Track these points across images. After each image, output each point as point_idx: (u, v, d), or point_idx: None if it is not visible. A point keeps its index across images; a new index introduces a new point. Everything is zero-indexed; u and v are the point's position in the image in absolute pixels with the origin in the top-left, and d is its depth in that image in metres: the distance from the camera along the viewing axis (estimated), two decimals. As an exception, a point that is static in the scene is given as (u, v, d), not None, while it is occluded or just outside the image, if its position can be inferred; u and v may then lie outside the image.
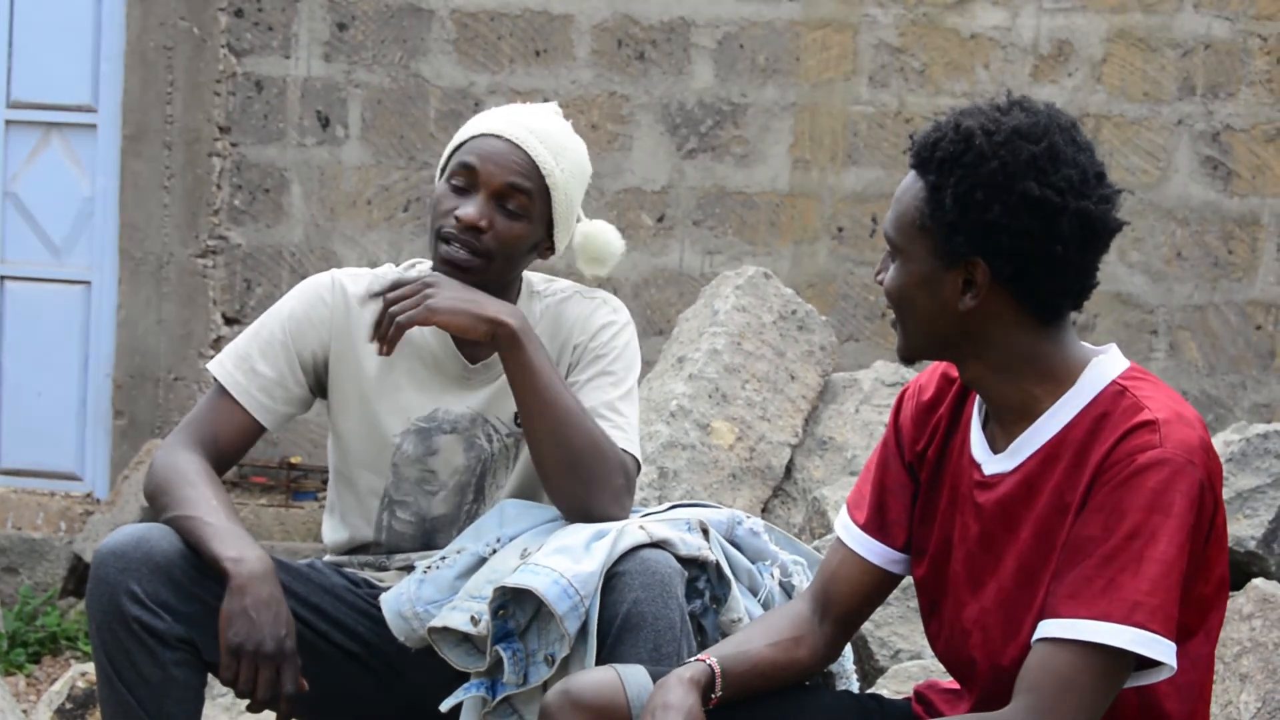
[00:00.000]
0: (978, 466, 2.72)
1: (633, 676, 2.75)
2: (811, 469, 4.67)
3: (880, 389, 4.82)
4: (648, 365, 4.54)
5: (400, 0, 7.50)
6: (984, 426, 2.74)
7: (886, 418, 4.70)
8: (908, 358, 2.75)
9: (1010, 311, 2.63)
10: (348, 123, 7.55)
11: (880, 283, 2.71)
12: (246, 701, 3.18)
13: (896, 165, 7.35)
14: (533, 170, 3.36)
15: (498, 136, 3.36)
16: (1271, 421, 5.13)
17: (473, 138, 3.38)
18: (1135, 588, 2.50)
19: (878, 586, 2.91)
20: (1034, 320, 2.64)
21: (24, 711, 4.58)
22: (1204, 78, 7.36)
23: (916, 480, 2.85)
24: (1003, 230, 2.57)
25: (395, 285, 3.27)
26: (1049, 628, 2.55)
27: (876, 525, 2.88)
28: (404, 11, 7.50)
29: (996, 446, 2.71)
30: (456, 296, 3.24)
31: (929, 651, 3.65)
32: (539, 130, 3.39)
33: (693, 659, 2.83)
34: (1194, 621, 2.62)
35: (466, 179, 3.34)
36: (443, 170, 3.42)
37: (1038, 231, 2.57)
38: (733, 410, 4.60)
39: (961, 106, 2.71)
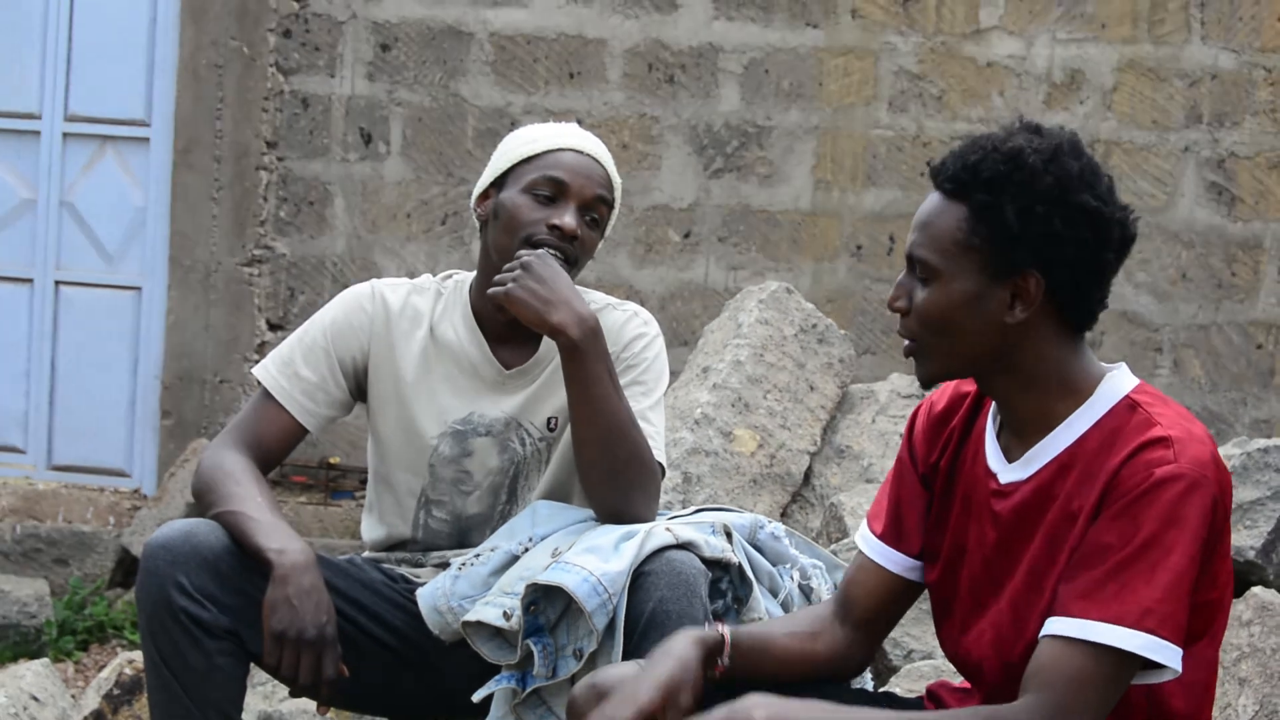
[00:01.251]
0: (993, 476, 2.72)
1: None
2: (829, 476, 4.66)
3: (896, 400, 4.81)
4: (673, 375, 4.54)
5: (441, 23, 7.51)
6: (998, 436, 2.74)
7: (901, 428, 4.72)
8: (932, 380, 2.73)
9: (1050, 324, 2.64)
10: (389, 139, 7.56)
11: (900, 310, 2.69)
12: (287, 688, 3.19)
13: (914, 187, 7.35)
14: (609, 184, 3.43)
15: (579, 152, 3.40)
16: (1271, 436, 5.12)
17: (550, 151, 3.39)
18: (1148, 595, 2.50)
19: (895, 593, 2.90)
20: (1068, 332, 2.65)
21: (73, 696, 4.59)
22: (1210, 107, 7.35)
23: (930, 491, 2.85)
24: (1063, 241, 2.58)
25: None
26: (1060, 625, 2.54)
27: (893, 535, 2.88)
28: (444, 34, 7.51)
29: (1011, 456, 2.71)
30: (535, 290, 3.24)
31: (940, 652, 3.65)
32: (602, 149, 3.46)
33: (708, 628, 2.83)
34: (1200, 626, 2.62)
35: (554, 190, 3.36)
36: (499, 182, 3.42)
37: (1091, 241, 2.60)
38: (754, 419, 4.60)
39: (976, 133, 2.71)
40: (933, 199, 2.68)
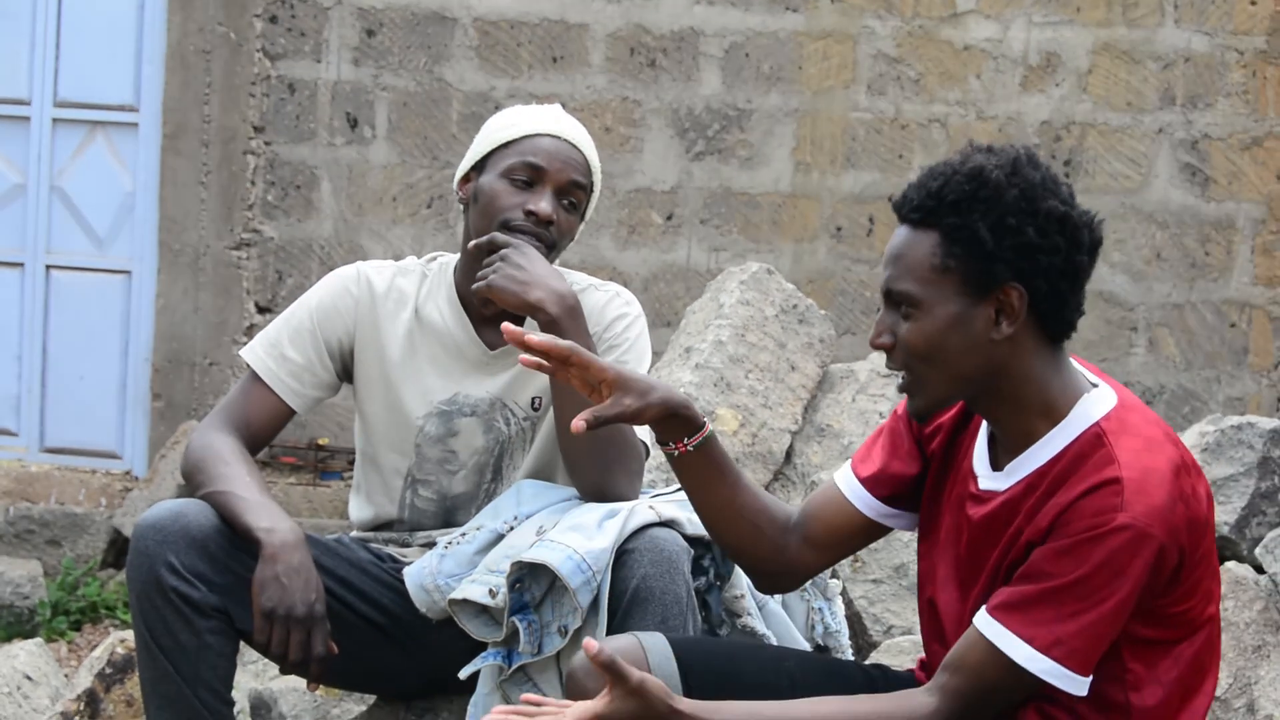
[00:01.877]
0: (975, 478, 2.73)
1: (654, 644, 2.76)
2: (810, 454, 4.66)
3: (875, 379, 4.81)
4: (656, 355, 4.54)
5: (425, 8, 7.49)
6: (990, 440, 2.75)
7: (881, 407, 4.72)
8: (926, 413, 2.72)
9: (1032, 338, 2.64)
10: (375, 124, 7.55)
11: (884, 347, 2.69)
12: (277, 666, 3.19)
13: (892, 169, 7.35)
14: (587, 169, 3.42)
15: (556, 137, 3.39)
16: (1244, 414, 5.14)
17: (528, 136, 3.38)
18: (1066, 628, 2.54)
19: (861, 530, 2.92)
20: (1047, 346, 2.65)
21: (65, 675, 4.59)
22: (1184, 89, 7.35)
23: (925, 458, 2.86)
24: (1038, 249, 2.59)
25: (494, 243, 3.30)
26: (983, 621, 2.59)
27: (873, 481, 2.89)
28: (429, 19, 7.49)
29: (996, 463, 2.72)
30: (513, 275, 3.24)
31: (919, 625, 3.65)
32: (582, 133, 3.44)
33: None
34: (1172, 634, 2.63)
35: (531, 175, 3.35)
36: (479, 166, 3.42)
37: (1064, 246, 2.60)
38: (736, 398, 4.59)
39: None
40: (900, 232, 2.67)
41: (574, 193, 3.39)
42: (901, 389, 2.71)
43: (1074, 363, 2.72)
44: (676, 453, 2.84)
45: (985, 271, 2.60)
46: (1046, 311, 2.63)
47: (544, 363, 2.75)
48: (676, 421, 2.81)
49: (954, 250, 2.61)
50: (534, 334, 2.74)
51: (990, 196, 2.59)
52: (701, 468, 2.86)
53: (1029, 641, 2.55)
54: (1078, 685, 2.57)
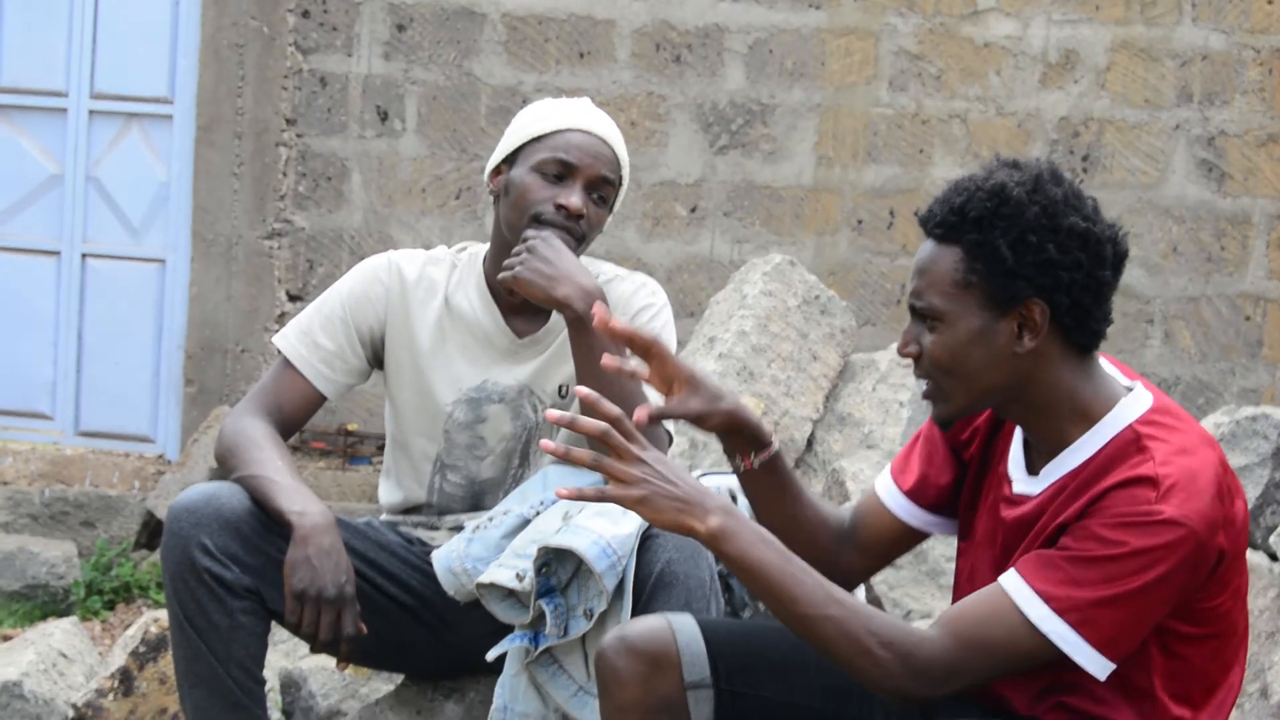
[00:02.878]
0: (1010, 482, 2.72)
1: (682, 625, 2.76)
2: (831, 442, 4.66)
3: (896, 369, 4.81)
4: (680, 345, 4.54)
5: (455, 4, 7.49)
6: (1025, 444, 2.74)
7: (901, 396, 4.72)
8: (950, 420, 2.72)
9: (1058, 349, 2.62)
10: (405, 117, 7.55)
11: (911, 356, 2.69)
12: (308, 645, 3.19)
13: (913, 163, 7.33)
14: (616, 164, 3.41)
15: (587, 132, 3.39)
16: (1259, 405, 5.11)
17: (559, 131, 3.38)
18: (1083, 596, 2.50)
19: (902, 537, 2.93)
20: (1076, 354, 2.64)
21: (100, 654, 4.60)
22: (1201, 86, 7.33)
23: (962, 463, 2.85)
24: (1059, 266, 2.57)
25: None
26: (1007, 577, 2.55)
27: (912, 489, 2.89)
28: (459, 15, 7.49)
29: (1032, 467, 2.70)
30: (540, 269, 3.25)
31: (939, 610, 3.66)
32: (612, 128, 3.44)
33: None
34: (1202, 630, 2.60)
35: (562, 170, 3.35)
36: (510, 159, 3.41)
37: (1086, 262, 2.59)
38: (759, 387, 4.59)
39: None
40: (926, 246, 2.67)
41: (603, 187, 3.38)
42: (926, 396, 2.70)
43: (1107, 365, 2.70)
44: (743, 467, 2.84)
45: (1006, 288, 2.59)
46: (1070, 325, 2.61)
47: (625, 366, 2.74)
48: (743, 436, 2.82)
49: (975, 266, 2.60)
50: (620, 321, 2.73)
51: (1012, 214, 2.58)
52: (767, 485, 2.87)
53: (1046, 600, 2.50)
54: (1096, 663, 2.52)
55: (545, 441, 2.51)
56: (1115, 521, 2.50)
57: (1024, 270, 2.58)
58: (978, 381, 2.64)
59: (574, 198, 3.34)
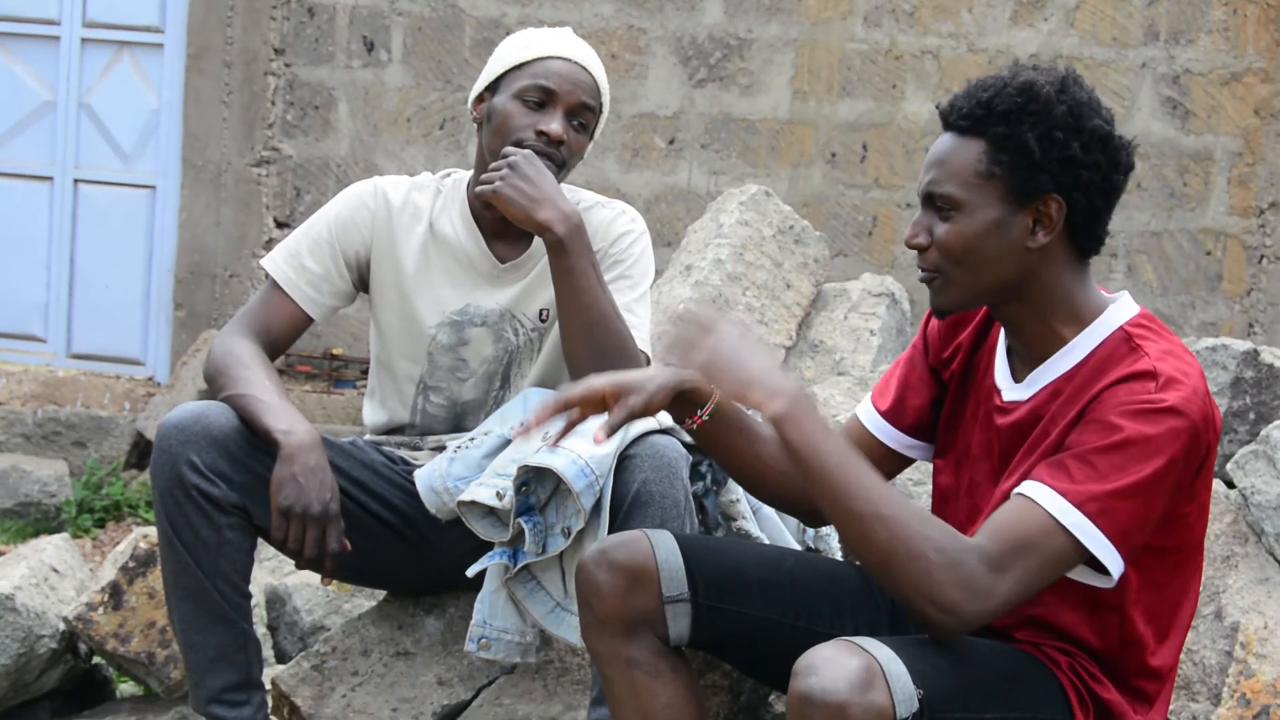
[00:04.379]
0: (998, 392, 2.72)
1: (661, 541, 2.76)
2: (804, 369, 4.66)
3: (867, 298, 4.80)
4: (658, 273, 4.52)
5: (440, -63, 7.44)
6: (1008, 354, 2.74)
7: (871, 324, 4.71)
8: (949, 310, 2.71)
9: (1063, 250, 2.63)
10: (391, 48, 7.50)
11: (919, 247, 2.67)
12: (293, 561, 3.19)
13: (886, 98, 7.31)
14: (596, 91, 3.39)
15: (568, 60, 3.36)
16: (1219, 337, 5.11)
17: (540, 59, 3.36)
18: (1099, 488, 2.49)
19: (886, 464, 2.91)
20: (1076, 259, 2.65)
21: (90, 569, 4.60)
22: (1167, 25, 7.31)
23: (941, 384, 2.85)
24: (1081, 164, 2.58)
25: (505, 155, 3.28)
26: (1023, 485, 2.53)
27: (894, 413, 2.89)
28: (443, -52, 7.44)
29: (1017, 375, 2.70)
30: (522, 189, 3.23)
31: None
32: (592, 56, 3.42)
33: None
34: (1169, 542, 2.61)
35: (542, 97, 3.33)
36: (493, 87, 3.39)
37: (1104, 164, 2.60)
38: (734, 314, 4.59)
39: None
40: (945, 139, 2.65)
41: (584, 114, 3.36)
42: (925, 281, 2.68)
43: None
44: (695, 426, 2.82)
45: (1029, 180, 2.59)
46: (1080, 225, 2.62)
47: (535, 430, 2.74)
48: (684, 399, 2.79)
49: (1000, 158, 2.60)
50: (573, 391, 2.70)
51: (1040, 110, 2.59)
52: (721, 434, 2.84)
53: (1064, 495, 2.48)
54: (1112, 557, 2.50)
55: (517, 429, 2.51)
56: (1120, 411, 2.51)
57: (1048, 165, 2.58)
58: (986, 272, 2.64)
59: (555, 124, 3.32)
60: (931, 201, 2.65)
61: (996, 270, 2.63)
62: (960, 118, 2.64)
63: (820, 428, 2.52)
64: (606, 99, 3.43)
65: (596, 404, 2.71)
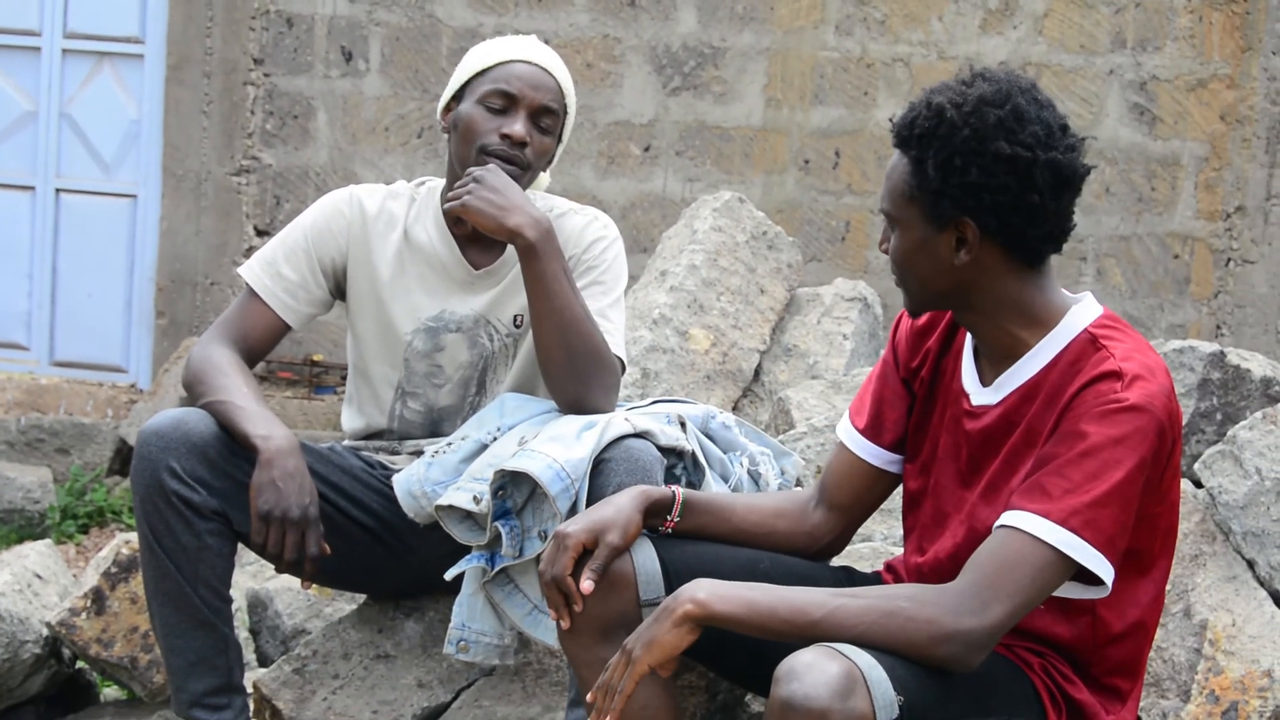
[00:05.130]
0: (966, 396, 2.72)
1: (638, 546, 2.78)
2: (777, 373, 4.65)
3: (840, 303, 4.80)
4: (633, 279, 4.52)
5: (417, -52, 7.43)
6: (975, 358, 2.73)
7: (845, 328, 4.71)
8: (916, 313, 2.74)
9: (1000, 262, 2.62)
10: (369, 57, 7.49)
11: (885, 252, 2.70)
12: (273, 565, 3.18)
13: (858, 105, 7.32)
14: (559, 94, 3.38)
15: (528, 63, 3.36)
16: (1186, 339, 5.13)
17: (501, 64, 3.35)
18: (1079, 499, 2.49)
19: (871, 482, 2.91)
20: (1021, 267, 2.63)
21: (74, 575, 4.58)
22: (1134, 32, 7.32)
23: (912, 393, 2.85)
24: (982, 189, 2.56)
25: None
26: (1004, 517, 2.54)
27: (873, 429, 2.89)
28: (420, -42, 7.43)
29: (984, 379, 2.70)
30: (490, 199, 3.22)
31: (879, 535, 3.66)
32: (554, 59, 3.41)
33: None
34: (1140, 542, 2.61)
35: (505, 102, 3.32)
36: (459, 95, 3.39)
37: (1014, 186, 2.56)
38: (708, 319, 4.58)
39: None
40: (895, 152, 2.67)
41: (547, 116, 3.36)
42: (898, 284, 2.71)
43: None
44: (670, 531, 2.84)
45: (935, 206, 2.59)
46: (1005, 243, 2.61)
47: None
48: (652, 510, 2.82)
49: (913, 181, 2.61)
50: (556, 560, 2.72)
51: (944, 135, 2.57)
52: (697, 525, 2.87)
53: (1045, 515, 2.49)
54: (1102, 565, 2.51)
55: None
56: (1086, 417, 2.51)
57: (949, 191, 2.57)
58: (927, 284, 2.66)
59: (517, 126, 3.32)
60: (884, 213, 2.68)
61: (935, 283, 2.65)
62: (895, 134, 2.66)
63: (739, 588, 2.53)
64: (571, 101, 3.43)
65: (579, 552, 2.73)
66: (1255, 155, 7.33)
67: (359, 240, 3.43)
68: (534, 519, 3.10)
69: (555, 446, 3.05)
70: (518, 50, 3.38)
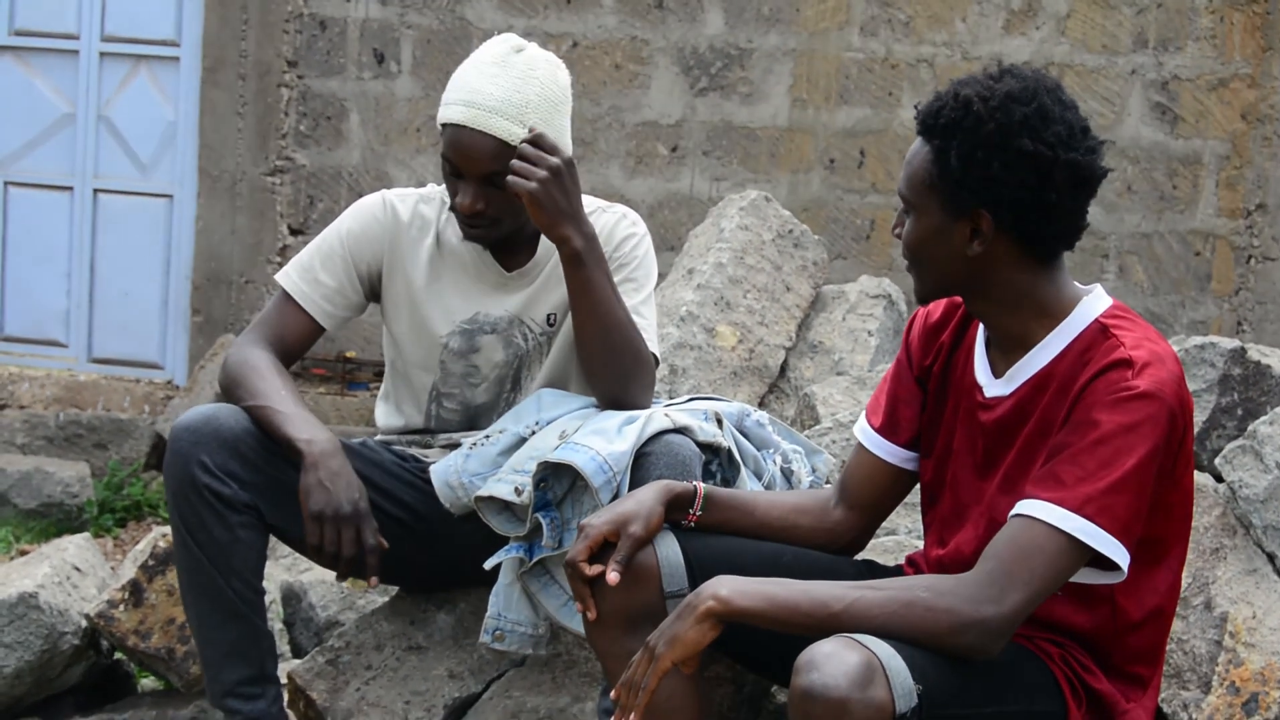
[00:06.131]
0: (980, 388, 2.72)
1: (663, 539, 2.78)
2: (803, 369, 4.65)
3: (864, 300, 4.80)
4: (660, 277, 4.53)
5: (448, -48, 7.44)
6: (987, 351, 2.73)
7: (869, 325, 4.71)
8: (924, 299, 2.74)
9: (1013, 254, 2.62)
10: (400, 59, 7.50)
11: (898, 236, 2.70)
12: (333, 570, 3.17)
13: (883, 105, 7.31)
14: (501, 150, 3.23)
15: (463, 128, 3.24)
16: (1208, 335, 5.11)
17: (445, 125, 3.26)
18: (1093, 486, 2.49)
19: (889, 480, 2.92)
20: (1033, 261, 2.64)
21: (111, 568, 4.60)
22: (1155, 32, 7.30)
23: (925, 391, 2.85)
24: (1002, 183, 2.57)
25: (539, 139, 3.18)
26: (1019, 506, 2.54)
27: (889, 428, 2.89)
28: (451, -38, 7.44)
29: (996, 371, 2.70)
30: (556, 201, 3.15)
31: (903, 528, 3.66)
32: (498, 100, 3.24)
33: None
34: (1156, 531, 2.61)
35: (452, 167, 3.27)
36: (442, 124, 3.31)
37: (1033, 182, 2.57)
38: (735, 316, 4.58)
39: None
40: (917, 139, 2.68)
41: (495, 177, 3.24)
42: (909, 269, 2.71)
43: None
44: (692, 524, 2.84)
45: (955, 195, 2.60)
46: (1020, 237, 2.61)
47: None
48: (675, 504, 2.83)
49: (934, 169, 2.62)
50: (580, 547, 2.74)
51: (970, 127, 2.58)
52: (719, 521, 2.87)
53: (1059, 504, 2.49)
54: (1118, 550, 2.51)
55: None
56: (1098, 405, 2.52)
57: (969, 182, 2.58)
58: (939, 271, 2.66)
59: (465, 198, 3.26)
60: (901, 198, 2.68)
61: (947, 270, 2.65)
62: (918, 123, 2.66)
63: (757, 583, 2.53)
64: (528, 124, 3.24)
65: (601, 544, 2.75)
66: (1276, 154, 7.30)
67: (394, 247, 3.43)
68: (573, 511, 3.11)
69: (598, 440, 3.06)
70: (456, 111, 3.25)
